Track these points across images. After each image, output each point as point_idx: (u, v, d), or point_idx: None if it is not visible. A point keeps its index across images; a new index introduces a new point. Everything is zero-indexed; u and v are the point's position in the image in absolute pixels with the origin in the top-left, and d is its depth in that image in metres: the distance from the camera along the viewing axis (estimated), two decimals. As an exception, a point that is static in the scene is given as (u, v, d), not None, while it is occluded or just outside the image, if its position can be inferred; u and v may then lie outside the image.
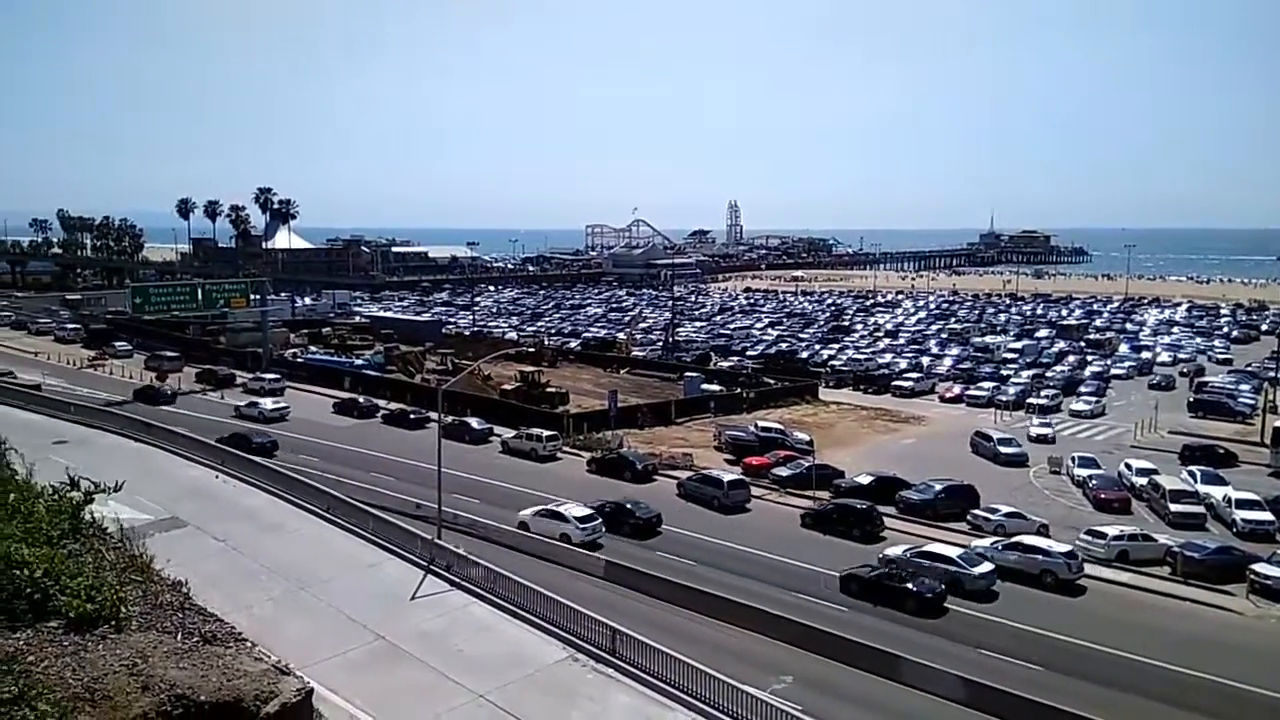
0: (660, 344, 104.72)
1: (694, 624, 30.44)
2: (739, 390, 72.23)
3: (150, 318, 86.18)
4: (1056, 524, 41.84)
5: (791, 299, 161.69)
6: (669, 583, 33.08)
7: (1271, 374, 76.93)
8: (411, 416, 62.30)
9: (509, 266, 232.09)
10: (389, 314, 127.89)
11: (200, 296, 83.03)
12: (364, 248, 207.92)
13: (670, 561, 36.72)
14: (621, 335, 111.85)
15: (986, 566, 35.00)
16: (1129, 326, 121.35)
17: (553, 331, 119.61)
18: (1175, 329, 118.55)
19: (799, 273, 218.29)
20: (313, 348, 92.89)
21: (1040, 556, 36.04)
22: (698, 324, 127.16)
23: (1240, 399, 70.38)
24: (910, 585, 33.21)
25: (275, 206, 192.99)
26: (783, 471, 48.89)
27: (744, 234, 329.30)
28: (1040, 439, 59.15)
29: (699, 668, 22.50)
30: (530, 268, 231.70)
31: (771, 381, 76.59)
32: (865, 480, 46.69)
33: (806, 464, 48.67)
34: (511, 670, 23.14)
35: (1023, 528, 40.67)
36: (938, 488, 44.55)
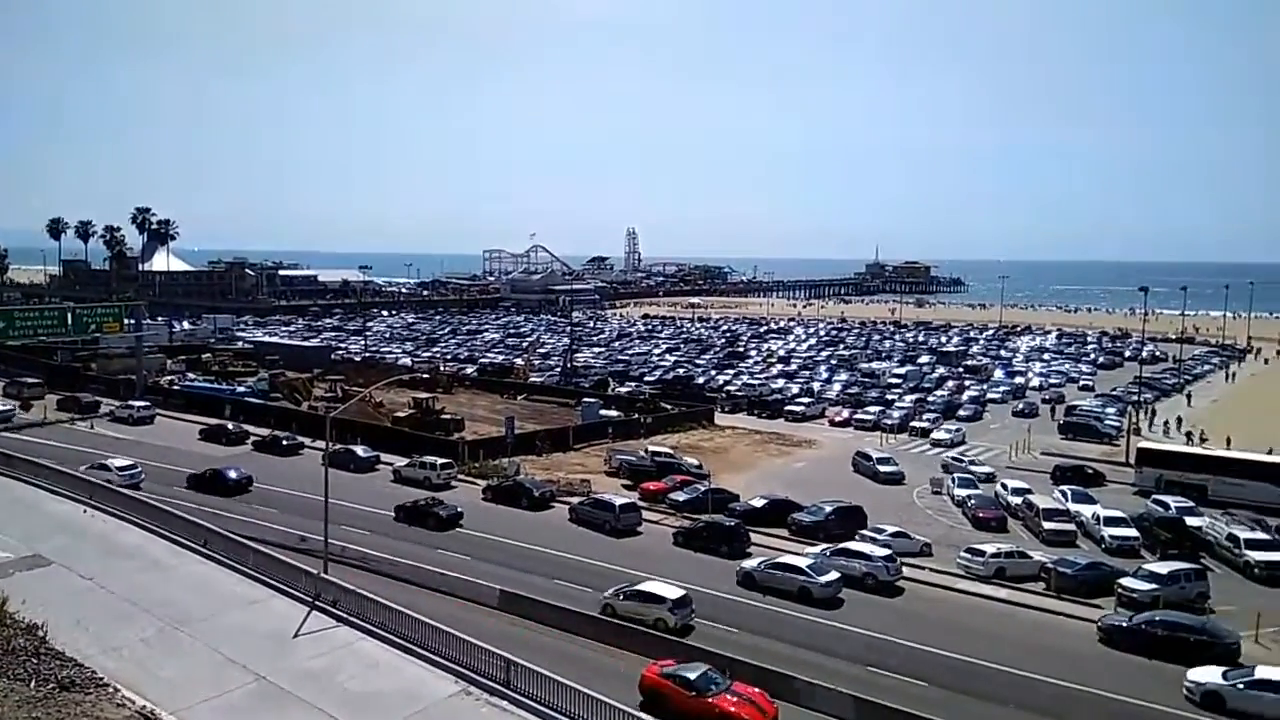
0: (558, 370, 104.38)
1: (591, 651, 30.24)
2: (637, 416, 72.60)
3: (15, 343, 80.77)
4: (939, 542, 43.50)
5: (688, 325, 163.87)
6: (564, 610, 32.80)
7: (1134, 398, 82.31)
8: (284, 443, 60.42)
9: (403, 291, 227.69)
10: (275, 339, 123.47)
11: (70, 321, 78.16)
12: (248, 270, 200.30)
13: (561, 588, 36.43)
14: (519, 361, 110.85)
15: (833, 575, 36.70)
16: (1003, 353, 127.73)
17: (448, 357, 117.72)
18: (1046, 355, 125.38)
19: (696, 299, 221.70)
20: (191, 374, 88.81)
21: (861, 561, 38.06)
22: (596, 350, 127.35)
23: (1106, 421, 74.82)
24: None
25: (153, 227, 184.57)
26: (679, 496, 49.30)
27: (642, 261, 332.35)
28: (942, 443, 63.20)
29: (596, 696, 22.35)
30: (425, 292, 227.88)
31: (669, 407, 77.27)
32: (759, 503, 47.55)
33: (703, 488, 49.25)
34: (402, 707, 22.47)
35: (908, 547, 42.23)
36: (828, 509, 45.73)
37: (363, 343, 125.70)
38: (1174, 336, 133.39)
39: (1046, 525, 45.47)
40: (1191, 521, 45.88)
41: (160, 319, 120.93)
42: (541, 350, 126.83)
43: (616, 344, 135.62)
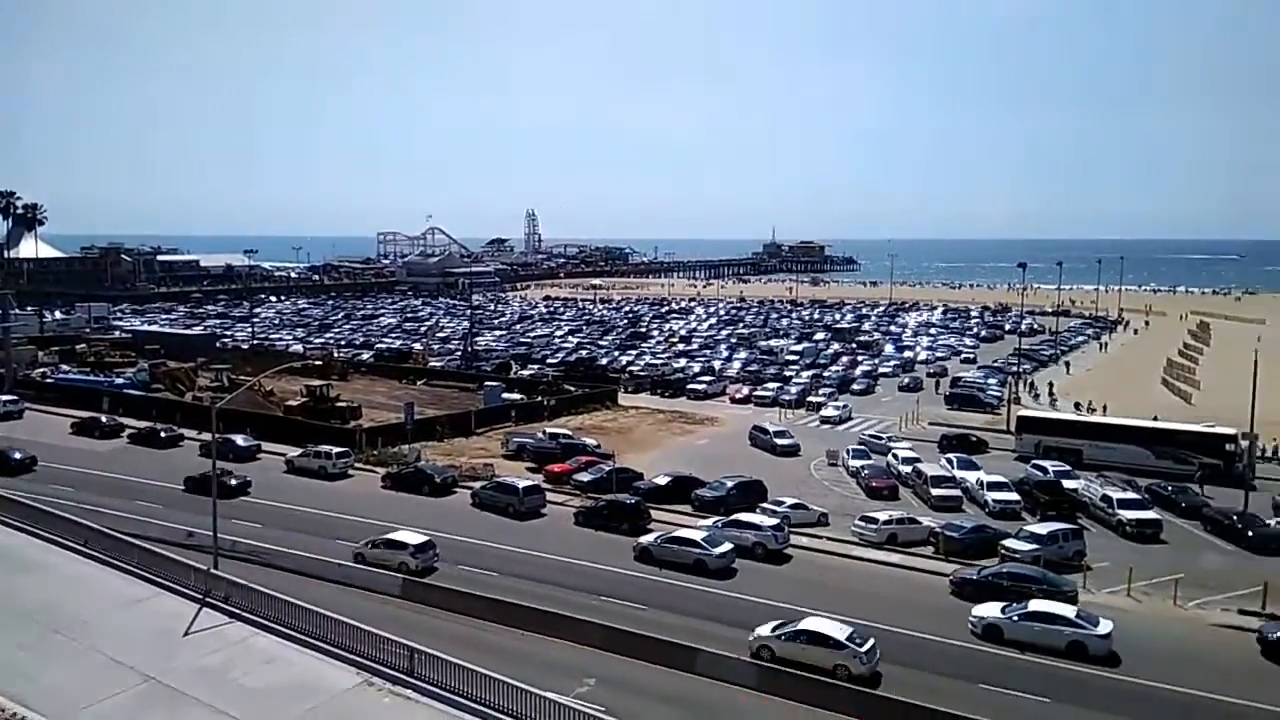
0: (459, 354, 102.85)
1: (497, 636, 30.13)
2: (540, 398, 72.25)
3: None
4: (835, 512, 44.93)
5: (591, 307, 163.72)
6: (468, 595, 32.56)
7: (1014, 369, 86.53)
8: (163, 435, 58.40)
9: (293, 275, 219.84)
10: (155, 328, 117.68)
11: (-76, 312, 72.72)
12: (124, 256, 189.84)
13: (465, 574, 36.13)
14: (418, 345, 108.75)
15: (726, 546, 37.76)
16: (893, 328, 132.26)
17: (343, 343, 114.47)
18: (933, 330, 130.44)
19: (597, 281, 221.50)
20: (65, 366, 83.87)
21: (752, 532, 39.36)
22: (497, 333, 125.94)
23: (989, 392, 78.45)
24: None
25: (19, 212, 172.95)
26: (584, 477, 49.39)
27: (542, 243, 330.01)
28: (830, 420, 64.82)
29: (501, 680, 22.23)
30: (317, 276, 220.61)
31: (572, 388, 77.15)
32: (663, 481, 48.11)
33: (607, 468, 49.46)
34: (301, 701, 21.89)
35: (805, 518, 43.51)
36: (730, 484, 46.62)
37: (250, 330, 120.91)
38: (1051, 310, 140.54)
39: (934, 492, 47.48)
40: (1068, 484, 48.61)
41: (30, 308, 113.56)
42: (441, 334, 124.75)
43: (518, 326, 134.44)
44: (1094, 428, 59.02)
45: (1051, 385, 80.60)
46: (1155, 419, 60.01)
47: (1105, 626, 30.43)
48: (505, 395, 72.69)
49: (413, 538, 37.16)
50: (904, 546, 40.59)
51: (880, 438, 60.52)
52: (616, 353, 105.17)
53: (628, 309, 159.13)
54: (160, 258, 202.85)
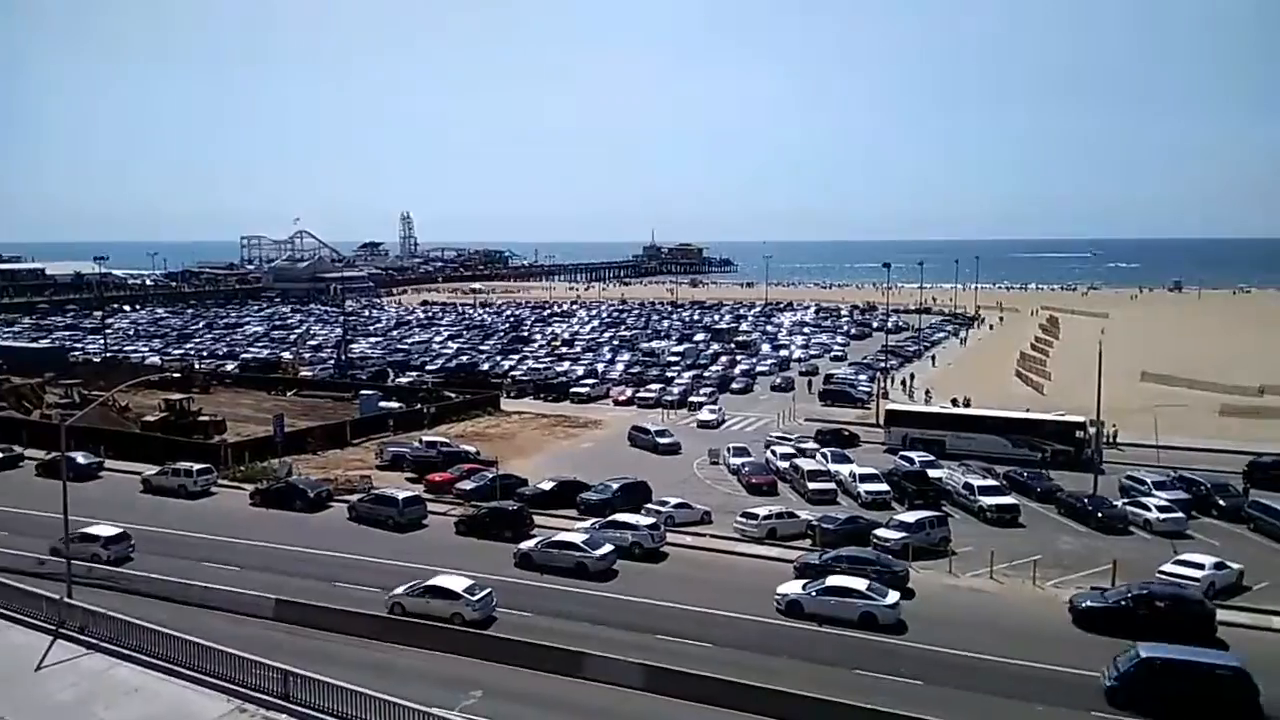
0: (332, 363, 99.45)
1: (380, 653, 29.28)
2: (419, 406, 70.64)
3: None
4: (718, 510, 45.73)
5: (471, 311, 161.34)
6: (345, 613, 31.52)
7: (882, 364, 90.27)
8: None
9: (149, 283, 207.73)
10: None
11: None
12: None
13: (343, 591, 34.99)
14: (287, 355, 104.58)
15: (607, 548, 38.03)
16: (769, 328, 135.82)
17: (205, 354, 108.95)
18: (806, 329, 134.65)
19: (477, 285, 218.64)
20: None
21: (630, 532, 39.91)
22: (373, 340, 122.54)
23: (859, 388, 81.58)
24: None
25: None
26: (466, 485, 48.63)
27: (418, 246, 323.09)
28: (707, 424, 64.47)
29: (383, 698, 21.70)
30: (175, 284, 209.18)
31: (453, 395, 75.83)
32: (548, 486, 47.86)
33: (490, 475, 48.84)
34: (167, 734, 20.75)
35: (689, 517, 44.17)
36: (615, 487, 46.79)
37: (103, 342, 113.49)
38: (914, 308, 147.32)
39: (811, 486, 49.00)
40: (933, 473, 51.03)
41: None
42: (312, 342, 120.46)
43: (395, 333, 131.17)
44: (955, 419, 62.18)
45: (912, 377, 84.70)
46: (1028, 410, 63.45)
47: (893, 597, 32.70)
48: (382, 404, 70.75)
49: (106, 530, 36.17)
50: (784, 540, 41.71)
51: (790, 438, 60.94)
52: (498, 358, 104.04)
53: (509, 313, 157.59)
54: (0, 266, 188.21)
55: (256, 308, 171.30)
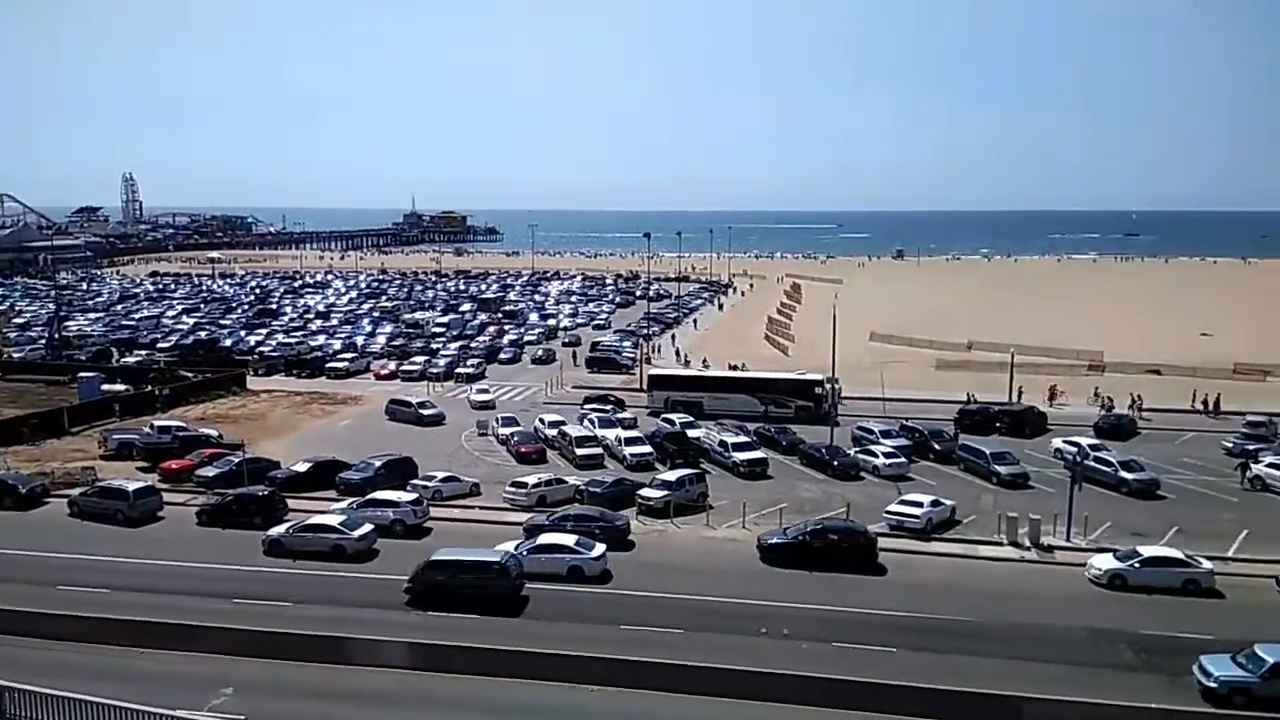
0: (44, 342, 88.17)
1: (117, 658, 26.66)
2: (150, 388, 64.29)
3: None
4: (487, 481, 45.46)
5: (209, 283, 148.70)
6: (69, 618, 28.38)
7: (645, 331, 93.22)
8: None
9: None
10: None
11: None
12: None
13: (66, 595, 31.45)
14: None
15: (367, 528, 37.17)
16: (536, 297, 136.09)
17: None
18: (574, 298, 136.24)
19: (216, 254, 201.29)
20: None
21: (390, 510, 39.21)
22: (93, 315, 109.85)
23: (624, 354, 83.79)
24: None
25: None
26: (209, 472, 44.98)
27: (145, 211, 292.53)
28: (482, 405, 62.92)
29: (115, 704, 19.80)
30: None
31: (190, 375, 69.67)
32: (303, 467, 45.42)
33: (236, 460, 45.47)
34: None
35: (458, 490, 43.62)
36: (377, 464, 45.13)
37: None
38: (673, 276, 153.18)
39: (579, 452, 49.87)
40: (692, 433, 53.53)
41: None
42: (19, 320, 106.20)
43: (119, 308, 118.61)
44: (711, 381, 65.55)
45: (674, 339, 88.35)
46: (775, 370, 67.88)
47: (598, 550, 34.34)
48: (106, 387, 63.91)
49: None
50: (553, 506, 42.17)
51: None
52: (243, 332, 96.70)
53: (254, 284, 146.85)
54: None
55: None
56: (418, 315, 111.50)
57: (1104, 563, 34.26)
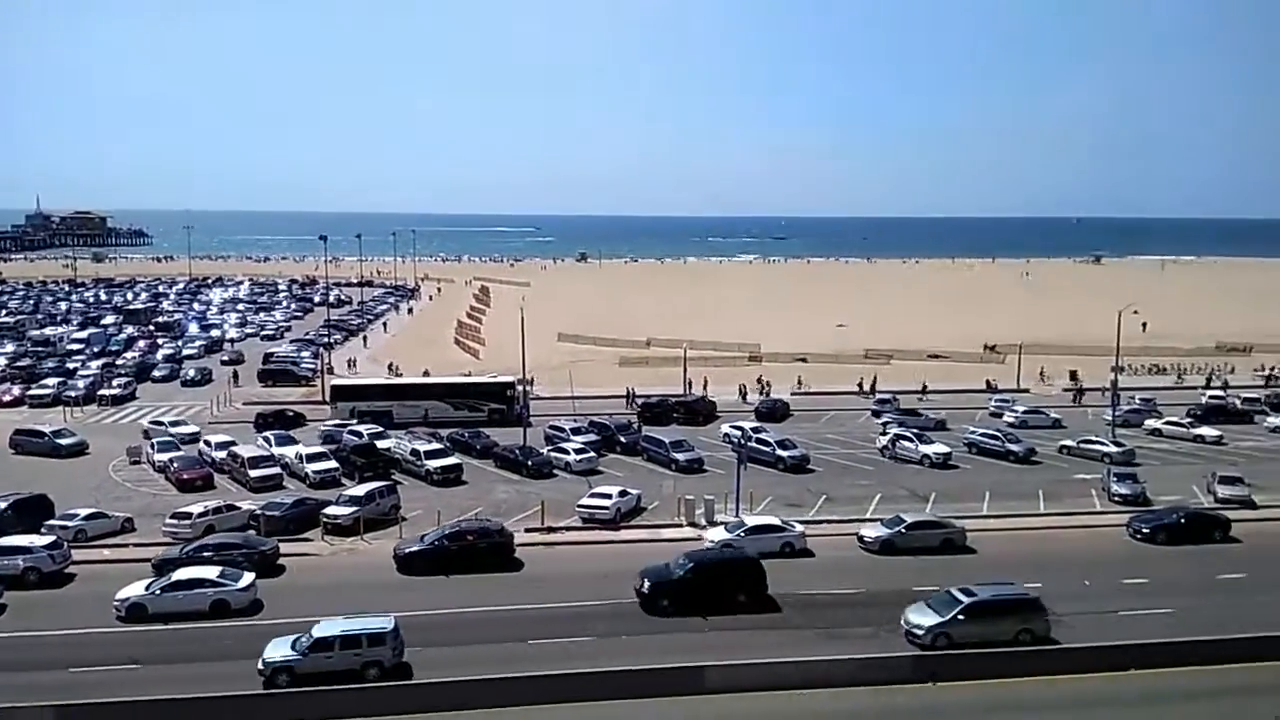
0: None
1: None
2: None
3: None
4: (142, 515, 40.58)
5: None
6: None
7: (325, 340, 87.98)
8: None
9: None
10: None
11: None
12: None
13: None
14: None
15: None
16: (196, 306, 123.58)
17: None
18: (240, 306, 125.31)
19: None
20: None
21: (21, 556, 33.87)
22: None
23: (303, 364, 78.54)
24: None
25: None
26: None
27: None
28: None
29: None
30: None
31: None
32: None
33: None
34: None
35: (107, 527, 38.53)
36: (2, 505, 38.57)
37: None
38: (356, 281, 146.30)
39: (253, 473, 45.94)
40: (381, 444, 51.48)
41: None
42: None
43: None
44: (399, 389, 63.59)
45: (367, 341, 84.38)
46: (467, 374, 66.91)
47: (246, 580, 31.71)
48: None
49: None
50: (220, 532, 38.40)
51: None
52: None
53: None
54: None
55: None
56: (48, 331, 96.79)
57: (874, 531, 38.20)
